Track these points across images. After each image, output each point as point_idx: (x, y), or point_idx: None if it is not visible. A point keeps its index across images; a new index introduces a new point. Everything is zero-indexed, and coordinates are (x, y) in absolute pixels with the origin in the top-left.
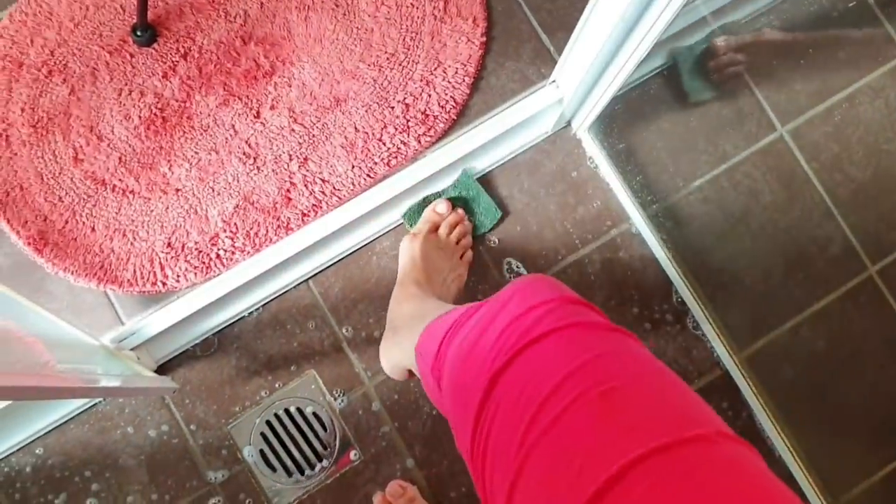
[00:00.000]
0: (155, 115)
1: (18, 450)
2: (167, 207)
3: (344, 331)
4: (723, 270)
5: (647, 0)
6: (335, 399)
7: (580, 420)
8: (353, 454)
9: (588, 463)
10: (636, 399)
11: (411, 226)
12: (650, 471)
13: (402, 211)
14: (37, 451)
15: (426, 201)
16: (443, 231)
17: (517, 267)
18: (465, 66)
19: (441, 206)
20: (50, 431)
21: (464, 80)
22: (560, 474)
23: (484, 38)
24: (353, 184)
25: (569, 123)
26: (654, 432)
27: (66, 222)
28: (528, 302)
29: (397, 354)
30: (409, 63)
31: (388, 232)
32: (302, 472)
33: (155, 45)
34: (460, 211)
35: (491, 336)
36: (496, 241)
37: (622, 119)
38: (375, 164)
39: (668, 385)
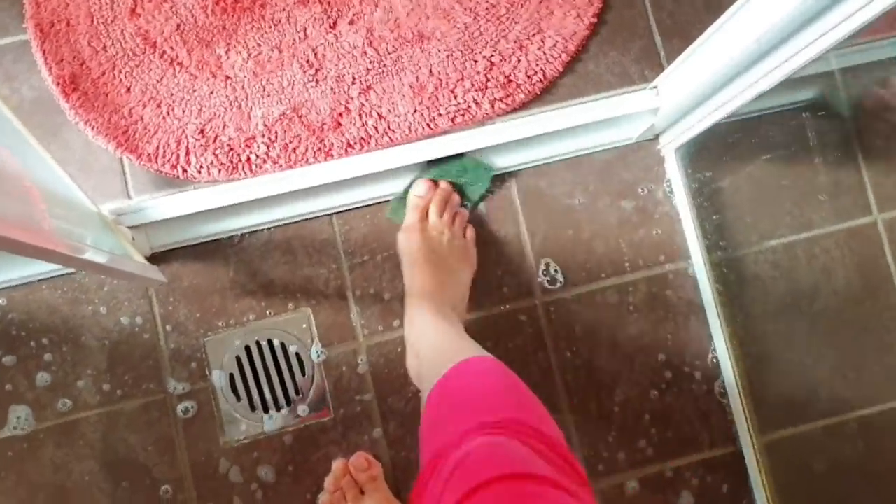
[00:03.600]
0: None
1: None
2: (212, 92)
3: (353, 279)
4: (770, 343)
5: (787, 34)
6: (322, 347)
7: None
8: (323, 409)
9: None
10: None
11: (398, 221)
12: None
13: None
14: (0, 302)
15: (408, 191)
16: (433, 215)
17: (555, 271)
18: (566, 41)
19: (420, 187)
20: (19, 285)
21: (560, 56)
22: None
23: (595, 19)
24: (409, 128)
25: (657, 137)
26: None
27: (104, 73)
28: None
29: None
30: (508, 20)
31: None
32: (266, 411)
33: None
34: (443, 185)
35: None
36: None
37: (716, 149)
38: (440, 115)
39: None
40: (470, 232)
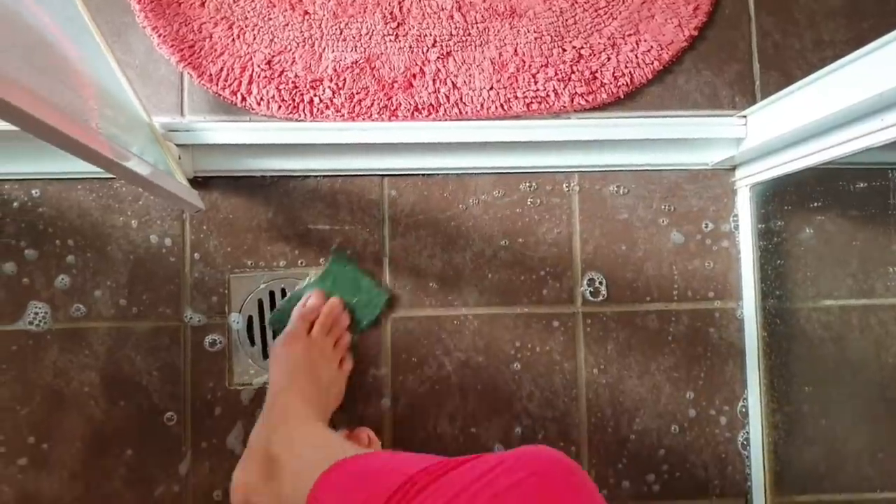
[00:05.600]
0: None
1: (16, 181)
2: (287, 24)
3: (392, 247)
4: (804, 404)
5: None
6: None
7: None
8: None
9: None
10: None
11: (278, 330)
12: None
13: (509, 162)
14: (33, 192)
15: (296, 297)
16: (317, 332)
17: (600, 284)
18: (661, 49)
19: (313, 299)
20: (55, 180)
21: (652, 63)
22: None
23: (696, 32)
24: (482, 105)
25: (733, 168)
26: None
27: None
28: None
29: (270, 496)
30: (606, 14)
31: (490, 174)
32: None
33: None
34: (334, 302)
35: None
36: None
37: (792, 192)
38: (516, 98)
39: None
40: (347, 365)
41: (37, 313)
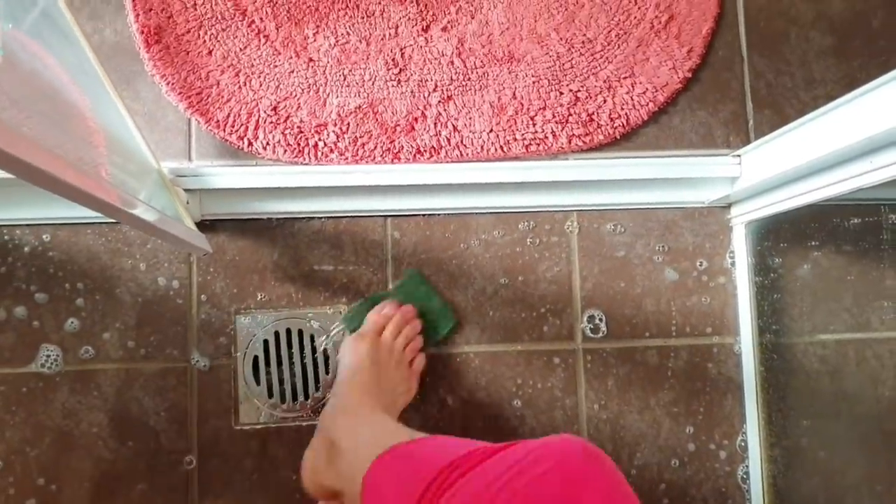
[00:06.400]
0: None
1: (27, 226)
2: (292, 71)
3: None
4: (803, 438)
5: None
6: None
7: None
8: None
9: None
10: None
11: (352, 330)
12: None
13: (509, 202)
14: (43, 237)
15: (371, 301)
16: (387, 334)
17: (600, 320)
18: (656, 91)
19: (387, 307)
20: (65, 225)
21: (647, 105)
22: None
23: (689, 74)
24: (482, 147)
25: (729, 206)
26: None
27: (189, 31)
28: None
29: (331, 477)
30: (602, 58)
31: (491, 214)
32: (283, 401)
33: None
34: (407, 309)
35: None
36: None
37: (787, 229)
38: (515, 140)
39: None
40: (417, 363)
41: (48, 356)
